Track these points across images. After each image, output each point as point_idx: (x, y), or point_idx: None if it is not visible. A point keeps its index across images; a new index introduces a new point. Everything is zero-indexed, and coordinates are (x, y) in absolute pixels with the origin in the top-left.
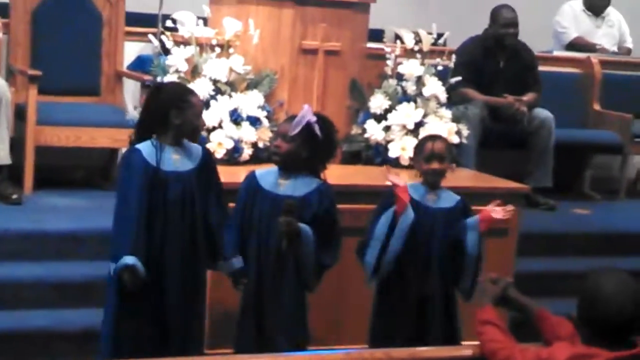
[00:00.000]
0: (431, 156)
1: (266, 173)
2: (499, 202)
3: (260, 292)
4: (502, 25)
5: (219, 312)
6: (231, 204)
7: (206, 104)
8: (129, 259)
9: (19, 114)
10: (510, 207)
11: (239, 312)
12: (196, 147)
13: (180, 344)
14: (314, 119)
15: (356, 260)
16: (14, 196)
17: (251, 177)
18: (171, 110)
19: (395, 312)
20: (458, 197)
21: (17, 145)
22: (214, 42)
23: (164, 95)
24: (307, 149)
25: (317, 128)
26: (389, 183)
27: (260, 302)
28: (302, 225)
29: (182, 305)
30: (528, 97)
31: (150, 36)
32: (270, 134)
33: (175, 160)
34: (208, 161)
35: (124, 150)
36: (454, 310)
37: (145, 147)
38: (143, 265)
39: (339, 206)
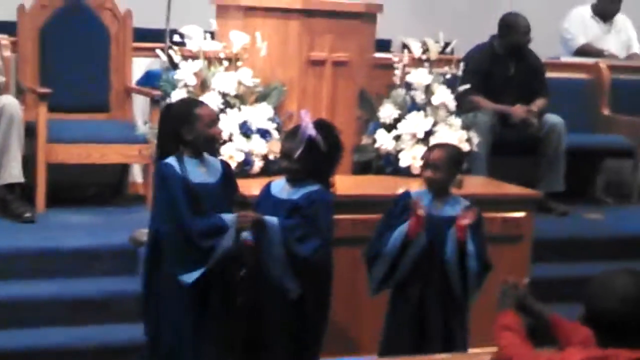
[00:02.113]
0: (425, 164)
1: (278, 183)
2: (474, 209)
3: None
4: (523, 33)
5: None
6: None
7: (217, 121)
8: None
9: (30, 131)
10: (473, 210)
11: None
12: (215, 161)
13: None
14: (314, 132)
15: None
16: (27, 214)
17: (265, 187)
18: (181, 128)
19: (400, 322)
20: (466, 204)
21: (28, 163)
22: (221, 55)
23: (172, 114)
24: (313, 161)
25: (319, 139)
26: (400, 191)
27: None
28: (268, 218)
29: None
30: (538, 104)
31: (158, 51)
32: (279, 147)
33: (202, 173)
34: (229, 173)
35: (135, 166)
36: (457, 320)
37: (173, 162)
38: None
39: (352, 216)
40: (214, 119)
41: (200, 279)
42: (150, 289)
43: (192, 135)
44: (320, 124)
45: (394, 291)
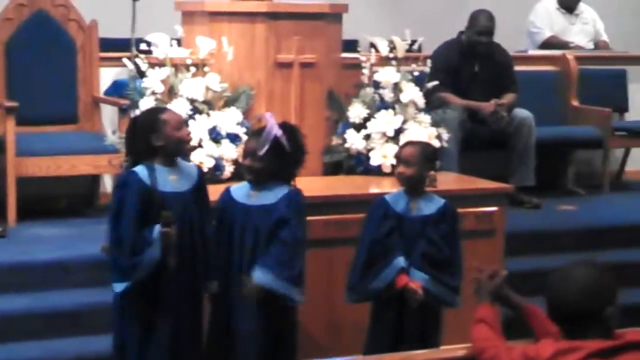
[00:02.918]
0: (398, 160)
1: (239, 187)
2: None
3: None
4: (477, 32)
5: None
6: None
7: (185, 124)
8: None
9: None
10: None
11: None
12: (191, 167)
13: None
14: (279, 132)
15: (344, 271)
16: None
17: (225, 193)
18: (150, 136)
19: (381, 320)
20: (442, 202)
21: None
22: (188, 61)
23: (139, 124)
24: (277, 162)
25: (284, 140)
26: (374, 191)
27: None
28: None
29: (182, 324)
30: (507, 99)
31: (125, 60)
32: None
33: (172, 181)
34: (203, 179)
35: (106, 176)
36: (432, 314)
37: (141, 170)
38: (143, 285)
39: (324, 217)
40: (181, 122)
41: (130, 290)
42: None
43: (162, 141)
44: (285, 126)
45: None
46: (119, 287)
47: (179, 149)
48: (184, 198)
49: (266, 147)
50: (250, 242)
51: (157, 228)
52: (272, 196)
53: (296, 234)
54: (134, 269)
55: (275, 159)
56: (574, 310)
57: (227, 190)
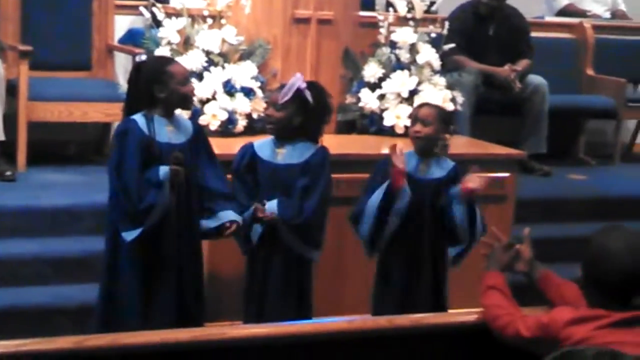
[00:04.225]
0: (414, 120)
1: (263, 144)
2: (475, 169)
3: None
4: None
5: (218, 284)
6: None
7: (199, 76)
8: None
9: (11, 90)
10: (484, 176)
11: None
12: (187, 122)
13: (178, 316)
14: (304, 85)
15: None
16: (8, 173)
17: (249, 149)
18: (154, 86)
19: (390, 282)
20: (452, 165)
21: (9, 121)
22: (205, 13)
23: (143, 72)
24: (300, 115)
25: (307, 94)
26: (385, 152)
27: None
28: (269, 204)
29: (179, 276)
30: (521, 64)
31: (142, 8)
32: (264, 105)
33: (169, 132)
34: (200, 134)
35: (117, 124)
36: (442, 279)
37: (139, 118)
38: (139, 238)
39: (336, 176)
40: (187, 76)
41: (140, 238)
42: (108, 247)
43: (165, 93)
44: (312, 84)
45: (384, 253)
46: (130, 235)
47: (181, 104)
48: (179, 150)
49: (287, 97)
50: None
51: (164, 169)
52: (298, 155)
53: (320, 192)
54: (146, 214)
55: (297, 111)
56: (620, 276)
57: (251, 146)
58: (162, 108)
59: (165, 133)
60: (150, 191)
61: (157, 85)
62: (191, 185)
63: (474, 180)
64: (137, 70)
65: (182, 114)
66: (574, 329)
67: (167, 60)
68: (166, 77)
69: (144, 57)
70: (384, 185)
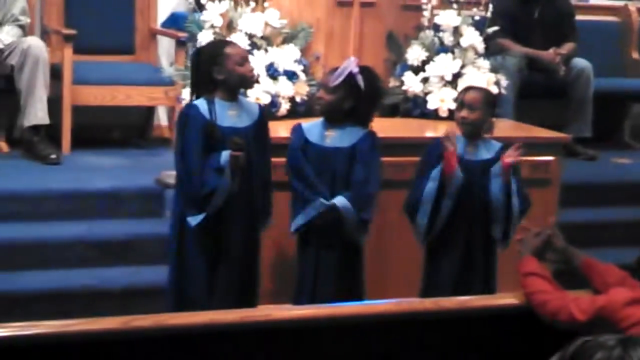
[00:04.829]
0: (461, 104)
1: (312, 126)
2: (517, 146)
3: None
4: None
5: (274, 269)
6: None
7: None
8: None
9: (55, 74)
10: (517, 148)
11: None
12: (253, 104)
13: (239, 299)
14: (356, 69)
15: (400, 213)
16: (53, 156)
17: (299, 131)
18: (212, 68)
19: (440, 265)
20: (499, 146)
21: (53, 105)
22: None
23: (202, 56)
24: (350, 100)
25: (359, 79)
26: (430, 134)
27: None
28: (340, 204)
29: (241, 260)
30: (566, 47)
31: None
32: (307, 88)
33: (231, 116)
34: (264, 118)
35: (160, 108)
36: (493, 262)
37: (201, 104)
38: (203, 223)
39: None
40: (245, 57)
41: (204, 223)
42: (175, 232)
43: (224, 75)
44: (364, 68)
45: (438, 237)
46: (194, 220)
47: (240, 84)
48: (242, 134)
49: (339, 80)
50: (326, 182)
51: (225, 154)
52: (347, 138)
53: (372, 178)
54: (208, 200)
55: (349, 96)
56: None
57: (300, 128)
58: (223, 91)
59: (228, 117)
60: (211, 176)
61: (215, 67)
62: (253, 169)
63: (510, 154)
64: (197, 55)
65: (248, 97)
66: (632, 309)
67: (225, 42)
68: (223, 58)
69: (197, 44)
70: (437, 173)
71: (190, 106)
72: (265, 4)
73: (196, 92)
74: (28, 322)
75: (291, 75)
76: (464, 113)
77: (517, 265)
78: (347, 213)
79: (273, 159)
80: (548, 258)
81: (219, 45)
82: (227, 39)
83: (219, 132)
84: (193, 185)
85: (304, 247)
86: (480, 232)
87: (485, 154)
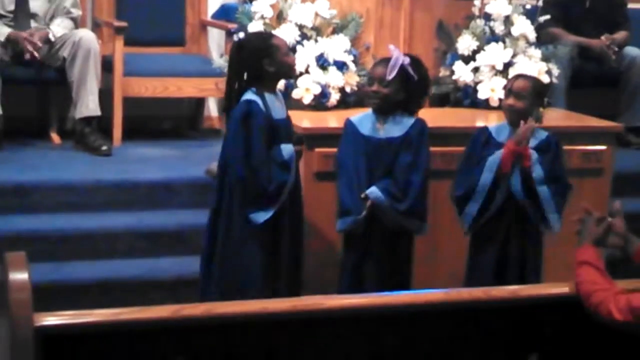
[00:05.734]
0: (508, 92)
1: (362, 118)
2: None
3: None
4: None
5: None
6: (319, 149)
7: (292, 50)
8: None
9: (106, 65)
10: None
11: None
12: (280, 95)
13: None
14: (407, 60)
15: (448, 202)
16: (104, 147)
17: (348, 125)
18: (263, 60)
19: (484, 254)
20: (545, 135)
21: (104, 97)
22: None
23: (248, 49)
24: (403, 90)
25: (411, 70)
26: (480, 124)
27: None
28: (374, 195)
29: (293, 251)
30: (619, 35)
31: None
32: (357, 79)
33: (279, 108)
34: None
35: (210, 99)
36: (537, 253)
37: (255, 98)
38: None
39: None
40: (288, 47)
41: (270, 219)
42: (216, 224)
43: (275, 67)
44: (413, 58)
45: (482, 227)
46: (262, 217)
47: (288, 75)
48: (287, 124)
49: (394, 73)
50: (380, 174)
51: (288, 149)
52: (399, 128)
53: (419, 164)
54: (277, 195)
55: (402, 87)
56: None
57: (350, 122)
58: (269, 83)
59: (276, 109)
60: (276, 172)
61: (266, 59)
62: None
63: (517, 138)
64: (240, 48)
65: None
66: None
67: (269, 35)
68: (273, 50)
69: (241, 35)
70: (494, 164)
71: (248, 102)
72: None
73: (238, 86)
74: (79, 311)
75: (341, 66)
76: (510, 101)
77: (574, 252)
78: (381, 202)
79: (324, 149)
80: (610, 242)
81: (265, 37)
82: (266, 30)
83: (276, 126)
84: (260, 183)
85: (350, 235)
86: (522, 224)
87: (531, 141)
